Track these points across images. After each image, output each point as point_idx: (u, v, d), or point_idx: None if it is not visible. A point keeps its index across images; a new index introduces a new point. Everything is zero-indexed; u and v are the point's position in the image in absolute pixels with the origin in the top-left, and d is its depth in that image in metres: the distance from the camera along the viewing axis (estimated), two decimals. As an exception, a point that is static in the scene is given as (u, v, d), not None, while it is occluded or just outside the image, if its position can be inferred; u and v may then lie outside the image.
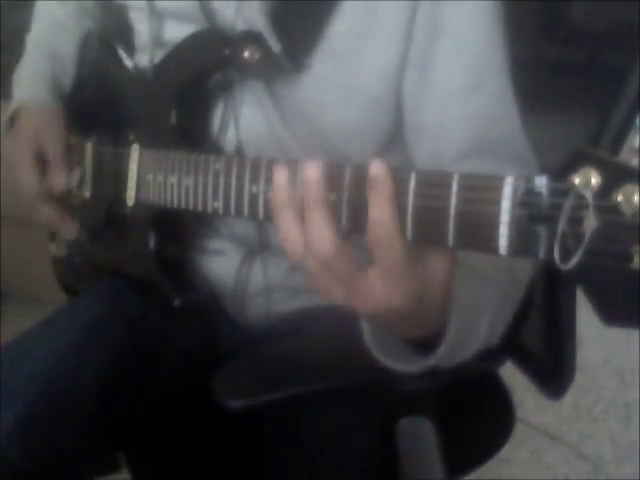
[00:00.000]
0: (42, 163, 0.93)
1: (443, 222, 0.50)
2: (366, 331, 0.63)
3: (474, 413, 0.88)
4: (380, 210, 0.51)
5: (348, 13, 0.76)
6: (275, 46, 0.75)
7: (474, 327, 0.63)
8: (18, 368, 0.81)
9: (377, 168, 0.52)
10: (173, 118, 0.83)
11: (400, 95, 0.78)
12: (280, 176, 0.57)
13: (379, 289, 0.54)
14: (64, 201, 0.95)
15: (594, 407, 1.79)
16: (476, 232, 0.49)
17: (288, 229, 0.56)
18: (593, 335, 1.86)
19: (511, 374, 0.89)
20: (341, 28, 0.76)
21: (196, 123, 0.84)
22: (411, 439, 0.77)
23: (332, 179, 0.56)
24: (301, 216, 0.55)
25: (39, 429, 0.77)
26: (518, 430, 0.90)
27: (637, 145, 0.67)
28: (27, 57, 1.04)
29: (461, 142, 0.75)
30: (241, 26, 0.79)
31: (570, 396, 0.88)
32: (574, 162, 0.44)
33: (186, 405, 0.88)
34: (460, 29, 0.74)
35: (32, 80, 0.99)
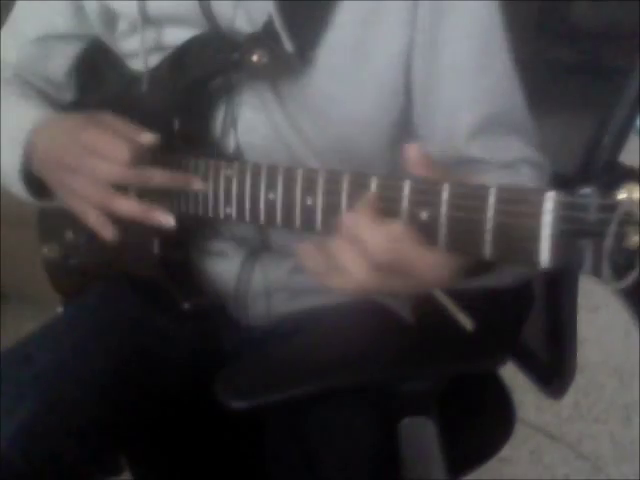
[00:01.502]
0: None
1: (480, 235, 0.50)
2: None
3: (474, 413, 0.88)
4: (375, 235, 0.55)
5: (351, 3, 0.76)
6: (286, 43, 0.75)
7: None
8: (20, 372, 0.80)
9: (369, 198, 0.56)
10: (176, 122, 0.82)
11: (409, 78, 0.79)
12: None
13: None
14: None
15: (594, 407, 1.79)
16: (515, 245, 0.49)
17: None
18: (593, 335, 1.87)
19: (511, 374, 0.89)
20: (347, 17, 0.76)
21: (198, 127, 0.83)
22: (413, 439, 0.77)
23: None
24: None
25: (41, 433, 0.76)
26: (518, 430, 0.90)
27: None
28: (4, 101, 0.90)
29: (473, 119, 0.77)
30: (244, 26, 0.78)
31: (570, 396, 0.88)
32: (618, 177, 0.44)
33: (188, 406, 0.88)
34: (467, 7, 0.75)
35: (26, 105, 0.88)
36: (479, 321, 0.93)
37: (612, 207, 0.44)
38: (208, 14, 0.79)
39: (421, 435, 0.77)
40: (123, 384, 0.83)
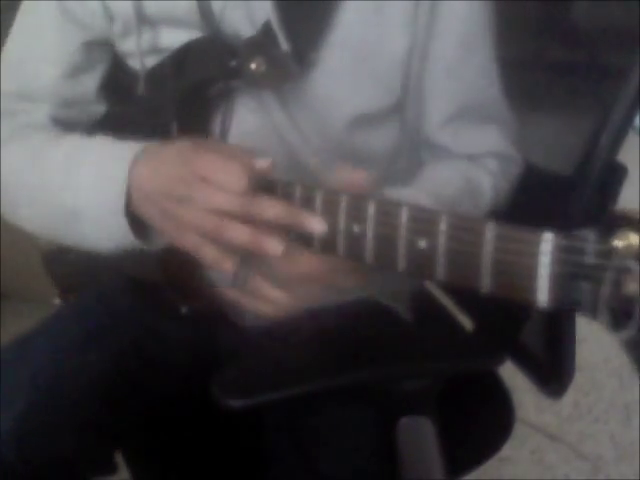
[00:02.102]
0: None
1: (477, 268, 0.50)
2: None
3: (474, 413, 0.88)
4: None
5: (353, 3, 0.76)
6: (284, 45, 0.74)
7: None
8: (18, 370, 0.80)
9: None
10: (174, 126, 0.80)
11: (408, 77, 0.80)
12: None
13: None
14: None
15: (594, 407, 1.79)
16: (512, 282, 0.48)
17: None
18: (593, 335, 1.87)
19: (511, 374, 0.89)
20: (348, 18, 0.76)
21: (196, 130, 0.82)
22: (411, 439, 0.77)
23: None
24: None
25: (38, 432, 0.76)
26: (518, 430, 0.90)
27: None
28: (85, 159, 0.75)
29: (446, 107, 0.80)
30: (243, 27, 0.77)
31: (570, 396, 0.88)
32: (614, 220, 0.44)
33: (186, 406, 0.88)
34: (455, 12, 0.77)
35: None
36: (479, 321, 0.93)
37: (608, 253, 0.44)
38: (206, 15, 0.78)
39: (420, 434, 0.77)
40: (120, 383, 0.83)
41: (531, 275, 0.47)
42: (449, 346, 0.81)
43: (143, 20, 0.81)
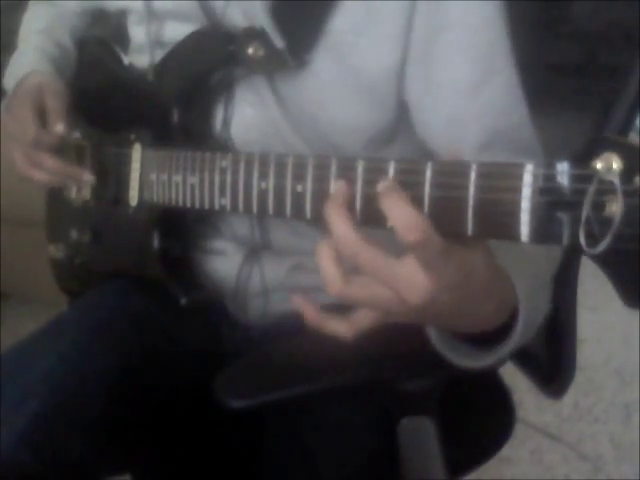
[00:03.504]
0: (41, 120, 0.90)
1: (462, 212, 0.50)
2: (434, 336, 0.63)
3: (474, 413, 0.88)
4: (404, 214, 0.50)
5: (347, 10, 0.76)
6: (278, 42, 0.75)
7: (538, 302, 0.63)
8: (25, 371, 0.80)
9: (387, 184, 0.52)
10: (175, 117, 0.83)
11: (403, 92, 0.78)
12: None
13: (420, 279, 0.51)
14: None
15: (594, 407, 1.79)
16: (496, 220, 0.49)
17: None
18: (593, 335, 1.87)
19: (511, 374, 0.89)
20: (340, 25, 0.76)
21: (198, 122, 0.84)
22: (412, 439, 0.77)
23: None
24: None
25: (49, 431, 0.76)
26: (518, 430, 0.90)
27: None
28: (28, 42, 1.03)
29: (477, 135, 0.76)
30: (242, 24, 0.79)
31: (570, 396, 0.88)
32: (594, 148, 0.44)
33: (187, 405, 0.88)
34: (465, 23, 0.74)
35: (35, 58, 0.98)
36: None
37: (588, 177, 0.44)
38: (207, 11, 0.81)
39: (420, 435, 0.77)
40: (127, 382, 0.83)
41: (514, 210, 0.47)
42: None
43: (152, 14, 0.86)
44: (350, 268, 0.54)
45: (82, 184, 0.92)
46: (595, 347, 1.86)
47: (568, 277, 0.80)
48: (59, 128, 0.88)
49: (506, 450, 0.90)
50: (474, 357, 0.62)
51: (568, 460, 1.66)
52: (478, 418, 0.89)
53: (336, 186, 0.57)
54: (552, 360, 0.84)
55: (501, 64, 0.76)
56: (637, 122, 0.73)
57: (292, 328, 0.87)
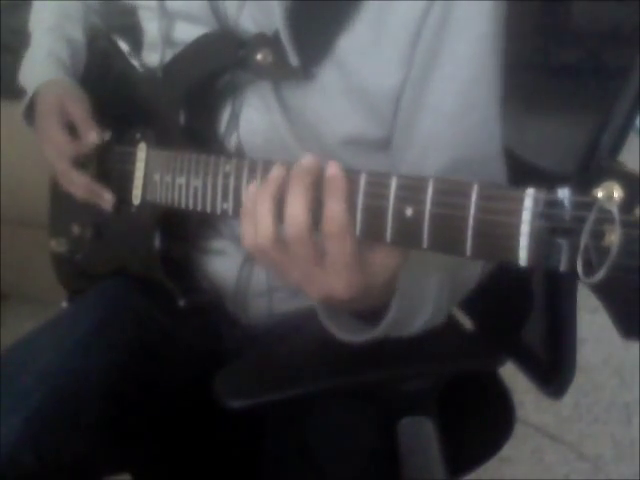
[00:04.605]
0: (71, 131, 0.92)
1: (461, 231, 0.50)
2: (319, 309, 0.69)
3: (474, 413, 0.88)
4: (334, 206, 0.56)
5: (356, 32, 0.76)
6: (290, 51, 0.76)
7: (418, 306, 0.69)
8: (24, 370, 0.80)
9: (333, 169, 0.57)
10: (181, 118, 0.84)
11: (397, 112, 0.79)
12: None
13: (327, 278, 0.58)
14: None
15: (594, 407, 1.79)
16: (495, 242, 0.49)
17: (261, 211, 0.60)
18: (593, 335, 1.87)
19: (511, 374, 0.89)
20: (348, 45, 0.76)
21: (203, 124, 0.84)
22: (412, 439, 0.77)
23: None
24: (277, 199, 0.59)
25: (48, 431, 0.76)
26: (518, 430, 0.90)
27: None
28: (39, 42, 1.03)
29: (445, 160, 0.76)
30: (252, 28, 0.80)
31: (570, 396, 0.88)
32: (596, 175, 0.44)
33: (187, 405, 0.88)
34: (456, 54, 0.74)
35: (48, 63, 0.99)
36: (479, 321, 0.93)
37: (588, 205, 0.44)
38: (217, 13, 0.82)
39: (420, 435, 0.77)
40: (126, 381, 0.83)
41: (513, 234, 0.47)
42: (449, 346, 0.81)
43: (164, 12, 0.86)
44: None
45: (106, 204, 0.92)
46: (595, 347, 1.86)
47: (568, 277, 0.80)
48: (93, 137, 0.90)
49: (506, 450, 0.90)
50: (354, 332, 0.68)
51: (568, 460, 1.67)
52: (478, 418, 0.89)
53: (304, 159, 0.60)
54: (552, 360, 0.84)
55: (484, 100, 0.76)
56: (637, 122, 0.73)
57: (293, 328, 0.88)
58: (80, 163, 0.92)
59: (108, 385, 0.81)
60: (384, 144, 0.82)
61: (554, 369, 0.83)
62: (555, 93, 0.91)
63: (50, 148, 0.92)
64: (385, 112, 0.79)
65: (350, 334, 0.69)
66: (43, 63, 0.99)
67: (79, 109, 0.92)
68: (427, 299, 0.70)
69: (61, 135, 0.91)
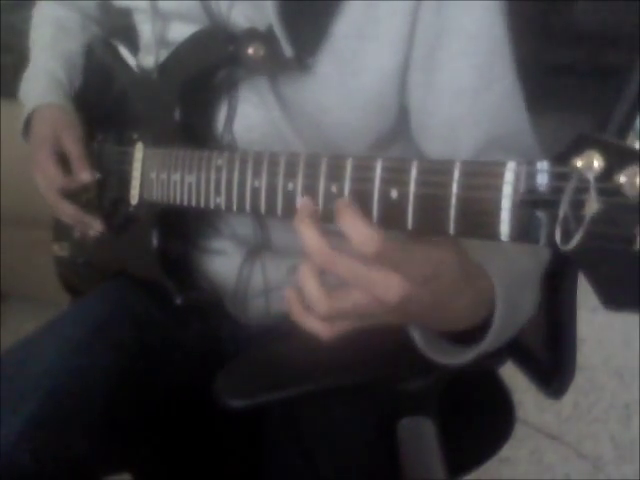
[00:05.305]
0: (63, 162, 0.93)
1: (444, 210, 0.50)
2: (416, 335, 0.65)
3: (474, 413, 0.88)
4: (358, 230, 0.51)
5: (350, 14, 0.76)
6: (285, 44, 0.75)
7: (520, 300, 0.63)
8: (24, 370, 0.80)
9: (342, 202, 0.53)
10: (177, 116, 0.84)
11: (405, 97, 0.78)
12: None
13: (392, 278, 0.52)
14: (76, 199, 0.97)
15: (594, 407, 1.79)
16: (477, 219, 0.49)
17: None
18: (593, 335, 1.87)
19: (511, 374, 0.89)
20: (343, 29, 0.76)
21: (200, 121, 0.84)
22: (412, 439, 0.77)
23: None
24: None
25: (48, 431, 0.76)
26: (518, 430, 0.90)
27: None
28: (37, 60, 1.03)
29: (474, 139, 0.76)
30: (244, 24, 0.80)
31: (570, 396, 0.88)
32: (577, 146, 0.43)
33: (188, 404, 0.88)
34: (468, 29, 0.74)
35: (45, 83, 0.99)
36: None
37: (567, 175, 0.44)
38: (209, 12, 0.82)
39: (420, 435, 0.77)
40: (126, 381, 0.83)
41: (495, 209, 0.47)
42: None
43: (157, 14, 0.86)
44: (333, 285, 0.55)
45: (94, 231, 0.97)
46: (595, 347, 1.86)
47: (568, 277, 0.80)
48: (85, 176, 0.93)
49: (506, 450, 0.90)
50: (453, 354, 0.64)
51: (568, 460, 1.67)
52: (478, 418, 0.89)
53: (301, 202, 0.57)
54: (552, 360, 0.84)
55: (501, 71, 0.76)
56: (637, 122, 0.73)
57: (292, 328, 0.88)
58: (69, 195, 0.94)
59: (108, 386, 0.81)
60: (391, 136, 0.81)
61: (554, 369, 0.83)
62: (555, 93, 0.91)
63: (41, 178, 0.94)
64: (387, 99, 0.78)
65: (450, 357, 0.64)
66: (41, 82, 1.00)
67: (74, 144, 0.93)
68: (526, 287, 0.66)
69: (53, 168, 0.92)
